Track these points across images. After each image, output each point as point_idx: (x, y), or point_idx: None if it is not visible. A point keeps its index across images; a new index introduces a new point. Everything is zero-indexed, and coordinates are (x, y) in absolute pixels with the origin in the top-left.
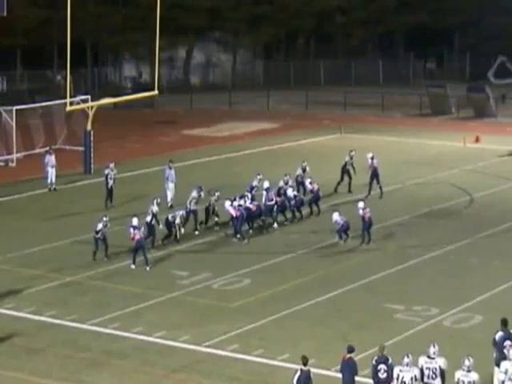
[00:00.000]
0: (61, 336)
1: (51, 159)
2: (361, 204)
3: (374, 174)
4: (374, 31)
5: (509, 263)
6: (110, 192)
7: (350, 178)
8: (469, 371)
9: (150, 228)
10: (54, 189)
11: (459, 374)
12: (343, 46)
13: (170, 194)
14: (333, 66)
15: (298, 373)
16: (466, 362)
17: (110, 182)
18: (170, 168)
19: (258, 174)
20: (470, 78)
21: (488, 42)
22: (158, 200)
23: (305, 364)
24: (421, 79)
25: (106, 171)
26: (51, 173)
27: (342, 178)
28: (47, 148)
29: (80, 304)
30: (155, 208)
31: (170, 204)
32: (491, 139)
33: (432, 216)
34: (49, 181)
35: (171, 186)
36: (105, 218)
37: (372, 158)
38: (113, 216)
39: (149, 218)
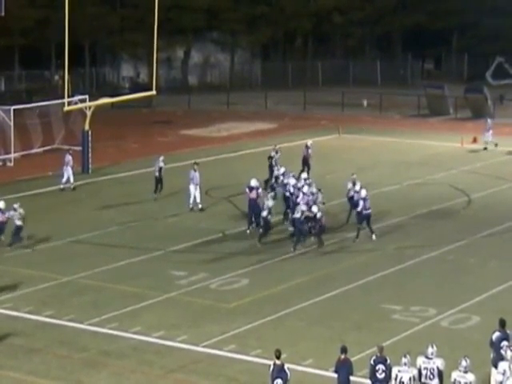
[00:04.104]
0: (58, 336)
1: (71, 159)
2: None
3: (306, 163)
4: (372, 32)
5: (506, 264)
6: (157, 182)
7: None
8: (465, 372)
9: (267, 223)
10: (63, 189)
11: (456, 375)
12: (341, 46)
13: (192, 197)
14: (331, 67)
15: (272, 366)
16: (463, 363)
17: (156, 174)
18: (195, 170)
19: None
20: (467, 78)
21: (486, 43)
22: (273, 194)
23: (278, 357)
24: (419, 80)
25: (155, 164)
26: (69, 172)
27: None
28: (67, 148)
29: (78, 304)
30: (271, 202)
31: (191, 206)
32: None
33: (430, 216)
34: (64, 180)
35: (196, 188)
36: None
37: (307, 147)
38: (113, 216)
39: (265, 213)
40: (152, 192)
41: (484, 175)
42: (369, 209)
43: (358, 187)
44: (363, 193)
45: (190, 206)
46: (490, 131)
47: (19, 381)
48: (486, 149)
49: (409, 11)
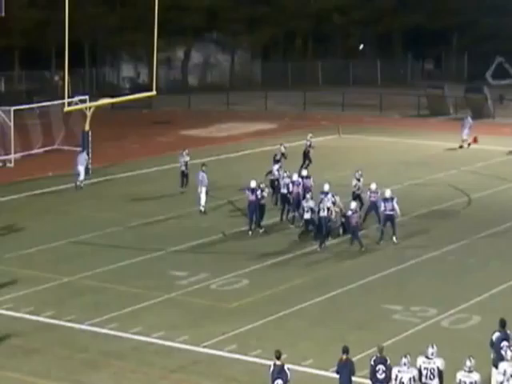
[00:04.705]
0: (59, 336)
1: (87, 158)
2: (373, 186)
3: (307, 157)
4: (372, 32)
5: (507, 264)
6: (183, 176)
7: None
8: (470, 372)
9: (312, 223)
10: (81, 187)
11: (461, 375)
12: (341, 46)
13: (202, 199)
14: (331, 67)
15: (272, 367)
16: (468, 363)
17: (183, 168)
18: (204, 171)
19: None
20: (467, 78)
21: (486, 43)
22: (311, 194)
23: (278, 358)
24: (419, 80)
25: (180, 158)
26: (82, 171)
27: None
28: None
29: (78, 304)
30: (311, 203)
31: (203, 209)
32: (489, 140)
33: (430, 217)
34: (81, 178)
35: (204, 190)
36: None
37: (308, 141)
38: (113, 217)
39: (308, 215)
40: (179, 186)
41: (484, 175)
42: (391, 210)
43: (373, 187)
44: (387, 193)
45: (202, 209)
46: (467, 130)
47: (19, 381)
48: (461, 147)
49: (409, 11)
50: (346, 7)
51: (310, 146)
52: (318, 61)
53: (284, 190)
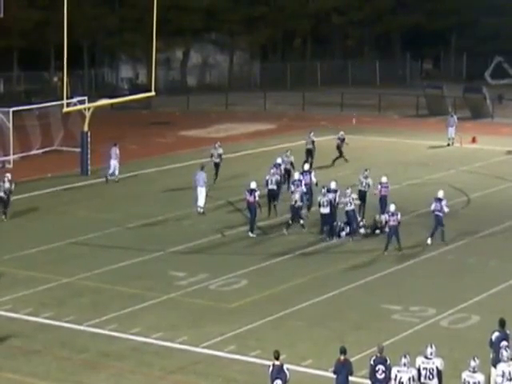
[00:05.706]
0: (58, 337)
1: (118, 152)
2: (384, 179)
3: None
4: (371, 32)
5: (506, 263)
6: (217, 168)
7: (341, 155)
8: (474, 372)
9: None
10: (108, 180)
11: (465, 375)
12: (340, 46)
13: (201, 200)
14: (329, 67)
15: (271, 367)
16: (472, 363)
17: (216, 160)
18: (205, 172)
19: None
20: (466, 78)
21: (485, 43)
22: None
23: (277, 358)
24: (417, 80)
25: (212, 151)
26: (116, 165)
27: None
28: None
29: (77, 305)
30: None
31: (201, 210)
32: (488, 140)
33: (429, 216)
34: (111, 171)
35: (203, 191)
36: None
37: (339, 138)
38: (112, 217)
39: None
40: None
41: (483, 175)
42: (439, 211)
43: (384, 179)
44: (440, 194)
45: (201, 210)
46: (451, 128)
47: (19, 382)
48: (449, 145)
49: (407, 11)
50: (344, 7)
51: (342, 140)
52: (317, 61)
53: (273, 186)
